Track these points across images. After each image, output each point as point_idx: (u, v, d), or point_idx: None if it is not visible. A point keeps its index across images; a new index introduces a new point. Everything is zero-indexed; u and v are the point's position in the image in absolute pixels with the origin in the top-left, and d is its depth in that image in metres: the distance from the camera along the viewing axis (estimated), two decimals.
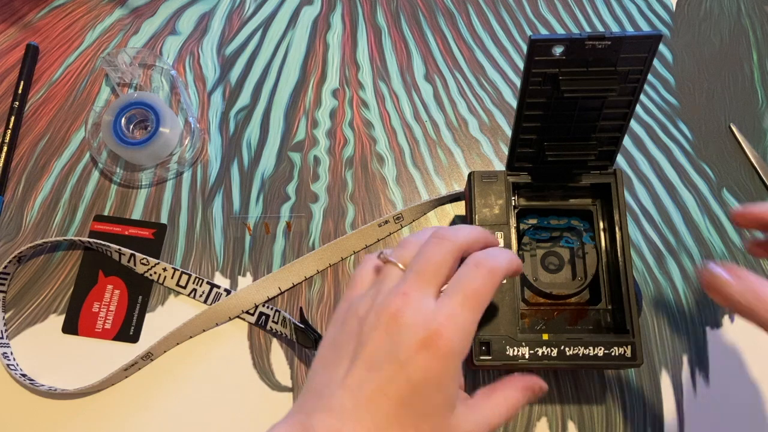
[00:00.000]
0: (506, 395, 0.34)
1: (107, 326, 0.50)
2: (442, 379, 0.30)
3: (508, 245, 0.43)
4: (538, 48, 0.36)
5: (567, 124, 0.41)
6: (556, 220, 0.46)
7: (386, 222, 0.51)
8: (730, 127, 0.55)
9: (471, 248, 0.34)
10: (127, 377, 0.48)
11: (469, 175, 0.45)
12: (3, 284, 0.51)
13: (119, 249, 0.50)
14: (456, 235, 0.33)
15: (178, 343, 0.49)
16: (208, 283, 0.50)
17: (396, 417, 0.30)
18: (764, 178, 0.53)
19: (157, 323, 0.50)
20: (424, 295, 0.31)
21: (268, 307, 0.49)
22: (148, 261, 0.50)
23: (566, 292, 0.44)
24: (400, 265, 0.34)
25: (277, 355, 0.49)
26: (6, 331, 0.50)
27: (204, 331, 0.49)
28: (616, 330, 0.42)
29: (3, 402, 0.48)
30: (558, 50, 0.36)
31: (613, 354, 0.40)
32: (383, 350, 0.30)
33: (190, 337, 0.49)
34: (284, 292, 0.50)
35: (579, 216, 0.46)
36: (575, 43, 0.35)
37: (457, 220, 0.52)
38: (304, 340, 0.46)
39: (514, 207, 0.45)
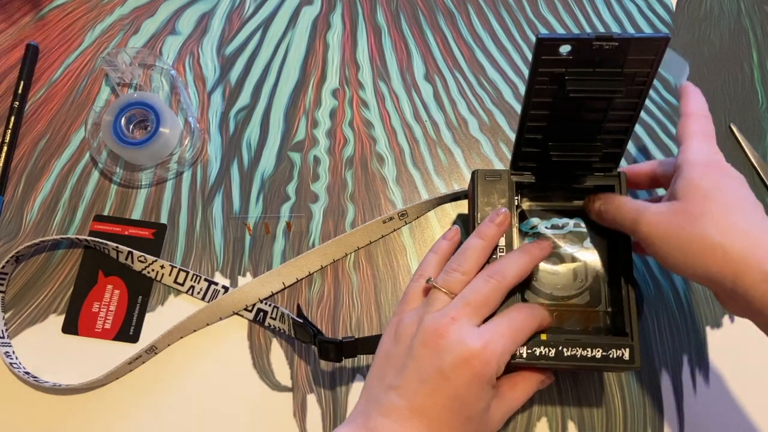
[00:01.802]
0: (525, 388, 0.40)
1: (107, 326, 0.50)
2: (480, 391, 0.36)
3: (510, 245, 0.43)
4: (545, 47, 0.36)
5: (572, 125, 0.41)
6: (557, 224, 0.45)
7: (391, 218, 0.51)
8: (730, 127, 0.55)
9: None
10: (131, 371, 0.48)
11: (473, 173, 0.45)
12: (2, 284, 0.51)
13: (117, 246, 0.50)
14: (506, 276, 0.39)
15: (181, 337, 0.49)
16: (205, 280, 0.50)
17: (445, 420, 0.35)
18: (764, 178, 0.53)
19: (157, 323, 0.50)
20: (470, 322, 0.37)
21: (266, 304, 0.49)
22: (145, 258, 0.50)
23: (566, 293, 0.44)
24: (445, 291, 0.39)
25: (277, 355, 0.49)
26: (6, 330, 0.50)
27: (208, 324, 0.50)
28: (615, 332, 0.42)
29: (8, 400, 0.48)
30: (565, 50, 0.36)
31: (610, 356, 0.40)
32: (432, 365, 0.35)
33: (194, 330, 0.49)
34: (288, 287, 0.50)
35: (582, 217, 0.45)
36: (583, 44, 0.35)
37: (459, 220, 0.52)
38: (303, 335, 0.46)
39: (517, 207, 0.45)
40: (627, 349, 0.40)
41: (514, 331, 0.38)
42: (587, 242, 0.45)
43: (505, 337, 0.37)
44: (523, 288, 0.44)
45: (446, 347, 0.36)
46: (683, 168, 0.38)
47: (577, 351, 0.40)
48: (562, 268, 0.44)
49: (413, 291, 0.41)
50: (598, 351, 0.40)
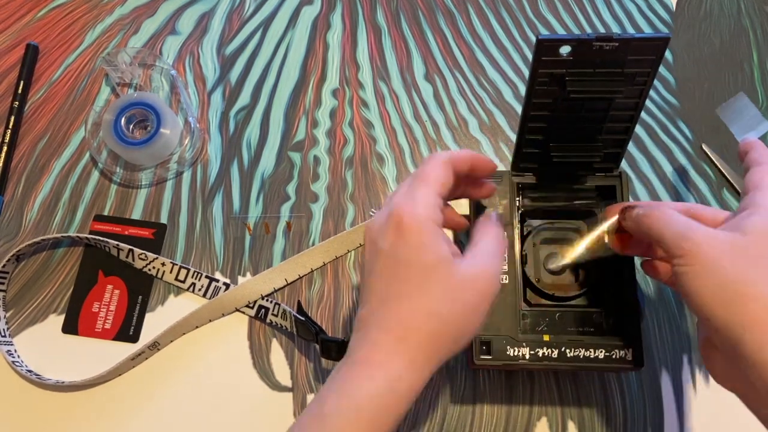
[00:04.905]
0: (488, 232, 0.36)
1: (107, 326, 0.50)
2: (423, 239, 0.33)
3: (511, 245, 0.43)
4: (545, 48, 0.36)
5: (573, 125, 0.41)
6: (560, 222, 0.45)
7: None
8: (701, 147, 0.54)
9: (460, 161, 0.36)
10: (134, 367, 0.49)
11: None
12: (2, 283, 0.51)
13: (117, 244, 0.50)
14: (443, 151, 0.36)
15: (184, 333, 0.49)
16: (206, 277, 0.50)
17: (395, 290, 0.33)
18: (738, 189, 0.52)
19: (157, 323, 0.50)
20: (405, 196, 0.34)
21: (267, 300, 0.49)
22: (146, 256, 0.50)
23: (568, 293, 0.44)
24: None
25: (277, 355, 0.49)
26: (8, 329, 0.50)
27: (210, 321, 0.50)
28: (618, 333, 0.42)
29: (12, 398, 0.48)
30: (565, 51, 0.36)
31: (613, 357, 0.40)
32: (368, 252, 0.35)
33: (196, 326, 0.49)
34: (291, 283, 0.50)
35: (583, 218, 0.45)
36: (583, 44, 0.35)
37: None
38: (305, 333, 0.46)
39: (518, 208, 0.45)
40: (630, 350, 0.40)
41: (419, 177, 0.35)
42: (589, 242, 0.45)
43: (411, 185, 0.34)
44: (525, 288, 0.44)
45: (377, 229, 0.34)
46: (762, 208, 0.33)
47: (580, 352, 0.40)
48: (564, 269, 0.44)
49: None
50: (601, 351, 0.40)
